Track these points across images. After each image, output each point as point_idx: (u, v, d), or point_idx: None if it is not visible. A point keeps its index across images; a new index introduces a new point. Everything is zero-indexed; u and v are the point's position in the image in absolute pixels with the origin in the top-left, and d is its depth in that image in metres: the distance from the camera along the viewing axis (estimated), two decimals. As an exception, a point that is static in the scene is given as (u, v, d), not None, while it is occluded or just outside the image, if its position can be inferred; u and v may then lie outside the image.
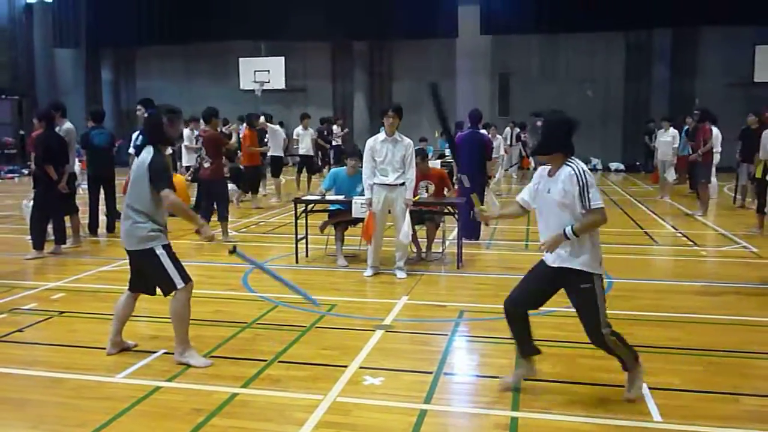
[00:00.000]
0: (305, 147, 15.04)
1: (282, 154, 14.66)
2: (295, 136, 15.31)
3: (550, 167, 3.85)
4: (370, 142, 7.06)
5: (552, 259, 3.82)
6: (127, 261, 4.68)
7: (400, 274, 7.10)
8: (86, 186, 9.93)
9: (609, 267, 7.33)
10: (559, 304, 3.92)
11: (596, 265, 3.77)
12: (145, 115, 8.54)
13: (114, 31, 24.15)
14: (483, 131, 10.29)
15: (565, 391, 4.06)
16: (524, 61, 22.76)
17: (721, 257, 8.25)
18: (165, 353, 4.72)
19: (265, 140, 14.08)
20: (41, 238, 8.19)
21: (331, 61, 24.47)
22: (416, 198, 7.43)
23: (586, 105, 22.04)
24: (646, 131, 19.64)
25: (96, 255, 8.52)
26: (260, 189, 13.81)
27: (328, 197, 7.85)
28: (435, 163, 11.08)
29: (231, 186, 12.23)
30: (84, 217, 9.50)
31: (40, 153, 8.12)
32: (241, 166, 13.12)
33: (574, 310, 3.87)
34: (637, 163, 21.36)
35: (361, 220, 7.35)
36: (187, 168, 12.92)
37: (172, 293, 4.51)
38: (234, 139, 12.58)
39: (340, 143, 18.23)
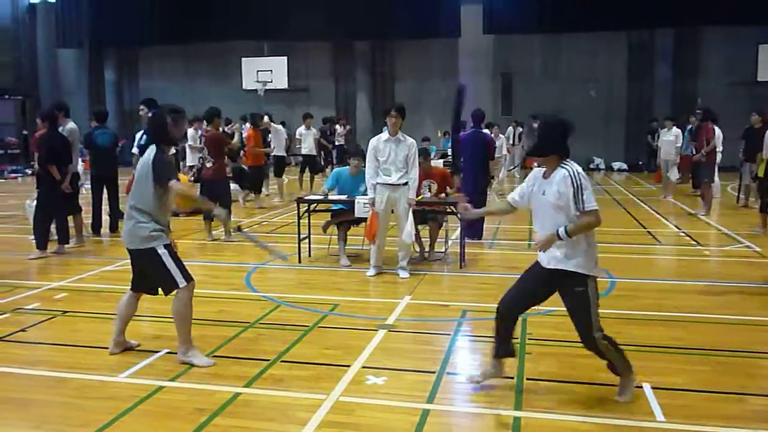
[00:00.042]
0: (308, 147, 15.05)
1: (284, 154, 14.67)
2: (297, 136, 15.31)
3: (545, 169, 3.85)
4: (373, 141, 7.05)
5: (546, 261, 3.82)
6: (131, 266, 4.69)
7: (403, 274, 7.10)
8: (89, 186, 9.95)
9: (612, 266, 7.37)
10: (559, 304, 3.92)
11: (591, 267, 3.77)
12: (149, 114, 8.55)
13: (117, 31, 24.20)
14: (485, 131, 10.29)
15: (567, 390, 4.06)
16: (527, 61, 22.75)
17: (725, 257, 8.23)
18: (168, 353, 4.72)
19: (268, 139, 14.08)
20: (44, 238, 8.20)
21: (334, 61, 24.48)
22: (419, 198, 7.43)
23: (588, 105, 22.04)
24: (648, 131, 19.61)
25: (99, 255, 8.53)
26: (263, 189, 13.82)
27: (330, 197, 7.85)
28: (437, 163, 11.07)
29: (233, 186, 12.24)
30: (87, 217, 9.51)
31: (44, 153, 8.14)
32: (244, 166, 13.13)
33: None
34: (640, 163, 21.32)
35: (364, 219, 7.35)
36: (191, 168, 12.94)
37: (174, 292, 4.52)
38: (236, 138, 12.59)
39: (343, 143, 18.24)
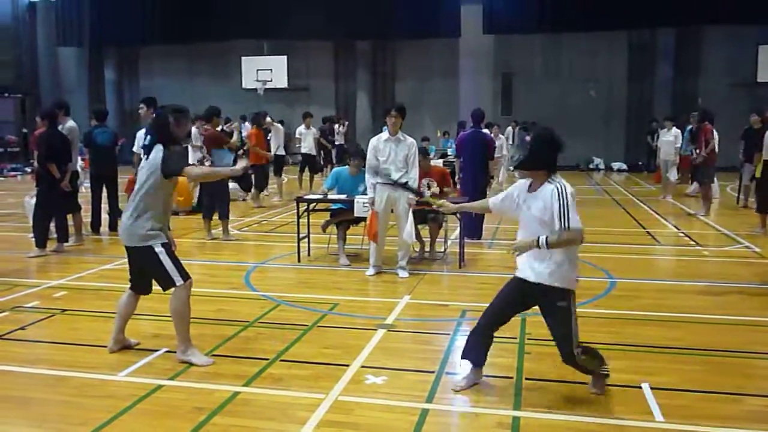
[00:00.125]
0: (308, 146, 15.05)
1: (284, 153, 14.67)
2: (297, 135, 15.31)
3: (531, 182, 3.85)
4: (373, 141, 7.06)
5: (527, 274, 3.82)
6: (127, 258, 4.69)
7: (403, 274, 7.10)
8: (89, 184, 9.96)
9: (611, 267, 7.38)
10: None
11: (572, 282, 3.79)
12: (152, 114, 8.56)
13: (117, 30, 24.17)
14: (485, 131, 10.28)
15: (566, 390, 4.06)
16: (527, 61, 22.75)
17: (724, 257, 8.23)
18: (167, 352, 4.73)
19: (268, 138, 14.08)
20: (44, 236, 8.21)
21: (334, 61, 24.47)
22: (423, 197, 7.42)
23: (588, 104, 22.06)
24: (648, 131, 19.63)
25: (98, 253, 8.53)
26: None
27: (330, 196, 7.86)
28: (437, 163, 11.08)
29: (232, 185, 12.23)
30: (86, 216, 9.51)
31: (43, 151, 8.14)
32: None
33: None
34: (640, 163, 21.32)
35: (364, 219, 7.35)
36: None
37: (171, 289, 4.52)
38: (235, 137, 12.60)
39: (343, 142, 18.24)
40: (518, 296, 3.94)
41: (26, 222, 9.32)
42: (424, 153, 7.97)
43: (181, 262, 4.57)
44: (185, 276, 4.50)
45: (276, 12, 21.91)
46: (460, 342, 5.06)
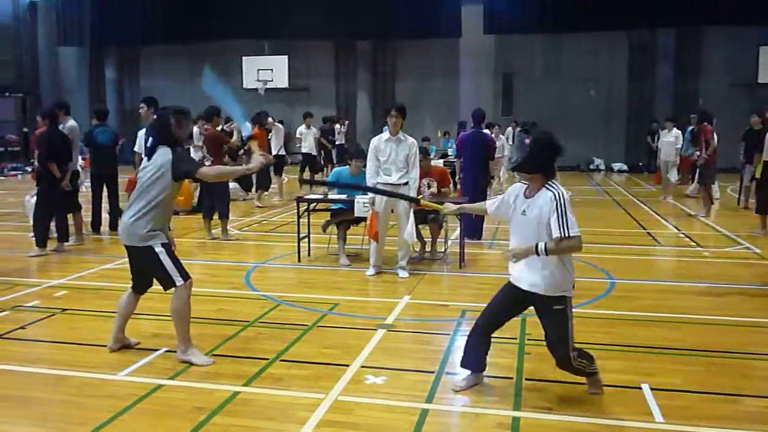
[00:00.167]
0: (308, 146, 15.04)
1: (284, 153, 14.67)
2: (298, 135, 15.31)
3: (527, 186, 3.84)
4: (374, 141, 7.06)
5: (521, 282, 3.82)
6: (128, 260, 4.69)
7: (403, 274, 7.10)
8: (89, 184, 9.96)
9: (611, 267, 7.38)
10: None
11: (569, 288, 3.79)
12: (153, 113, 8.56)
13: (118, 29, 24.18)
14: (486, 131, 10.29)
15: (566, 390, 4.06)
16: (527, 61, 22.74)
17: (724, 258, 8.23)
18: (167, 351, 4.73)
19: (269, 137, 14.07)
20: (44, 236, 8.21)
21: (335, 61, 24.46)
22: (419, 197, 7.42)
23: (589, 105, 22.05)
24: (648, 132, 19.62)
25: (99, 253, 8.53)
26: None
27: (330, 196, 7.85)
28: (437, 163, 11.09)
29: (233, 185, 12.24)
30: (87, 215, 9.52)
31: (44, 151, 8.14)
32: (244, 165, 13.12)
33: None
34: (640, 164, 21.32)
35: (364, 219, 7.35)
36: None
37: (172, 290, 4.52)
38: (235, 137, 12.59)
39: (343, 142, 18.24)
40: (512, 302, 3.95)
41: (27, 221, 9.32)
42: (424, 153, 7.98)
43: (182, 261, 4.57)
44: (185, 276, 4.50)
45: (277, 12, 21.91)
46: (460, 342, 5.06)
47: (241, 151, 13.26)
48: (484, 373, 4.17)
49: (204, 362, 4.50)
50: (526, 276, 3.79)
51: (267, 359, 4.60)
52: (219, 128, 9.92)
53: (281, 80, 21.71)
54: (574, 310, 3.87)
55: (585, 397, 3.98)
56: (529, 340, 4.97)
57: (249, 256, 8.33)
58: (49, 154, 8.10)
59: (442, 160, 13.57)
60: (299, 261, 7.89)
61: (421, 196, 7.56)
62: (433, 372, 4.39)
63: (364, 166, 7.21)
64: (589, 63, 22.26)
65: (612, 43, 21.90)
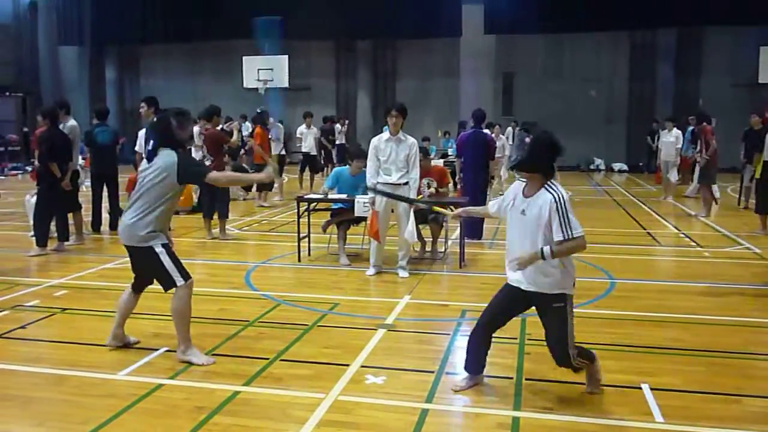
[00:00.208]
0: (308, 145, 15.04)
1: (285, 152, 14.67)
2: (298, 135, 15.30)
3: (525, 185, 3.83)
4: (374, 141, 7.06)
5: (526, 284, 3.81)
6: (129, 259, 4.69)
7: (403, 274, 7.10)
8: (89, 183, 9.96)
9: (611, 267, 7.38)
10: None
11: (569, 285, 3.79)
12: (153, 113, 8.57)
13: (118, 29, 24.19)
14: (486, 131, 10.29)
15: (566, 391, 4.06)
16: (528, 61, 22.74)
17: (724, 258, 8.23)
18: (167, 351, 4.73)
19: (269, 137, 14.07)
20: (44, 235, 8.21)
21: (335, 60, 24.47)
22: (420, 197, 7.43)
23: (589, 105, 22.06)
24: (649, 131, 19.61)
25: (99, 252, 8.53)
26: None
27: (330, 196, 7.86)
28: (437, 162, 11.09)
29: (233, 185, 12.23)
30: (87, 215, 9.52)
31: (44, 150, 8.14)
32: (244, 165, 13.12)
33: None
34: (640, 164, 21.32)
35: (364, 219, 7.35)
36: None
37: (172, 290, 4.52)
38: (235, 136, 12.61)
39: (343, 142, 18.24)
40: (512, 303, 3.95)
41: (27, 221, 9.32)
42: (424, 153, 7.98)
43: (182, 261, 4.57)
44: (186, 276, 4.50)
45: (277, 12, 21.88)
46: (460, 342, 5.07)
47: (242, 151, 13.30)
48: (484, 373, 4.17)
49: (204, 362, 4.49)
50: (525, 275, 3.79)
51: (267, 359, 4.60)
52: (219, 128, 9.92)
53: (281, 80, 21.69)
54: (574, 309, 3.87)
55: (585, 397, 3.98)
56: (529, 340, 4.97)
57: (249, 256, 8.33)
58: (50, 154, 8.11)
59: (442, 160, 13.58)
60: (299, 261, 7.89)
61: (421, 196, 7.58)
62: (433, 372, 4.38)
63: (365, 166, 7.21)
64: (589, 63, 22.27)
65: (612, 43, 21.91)
